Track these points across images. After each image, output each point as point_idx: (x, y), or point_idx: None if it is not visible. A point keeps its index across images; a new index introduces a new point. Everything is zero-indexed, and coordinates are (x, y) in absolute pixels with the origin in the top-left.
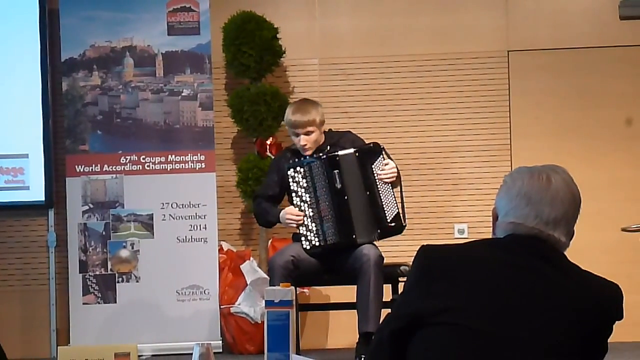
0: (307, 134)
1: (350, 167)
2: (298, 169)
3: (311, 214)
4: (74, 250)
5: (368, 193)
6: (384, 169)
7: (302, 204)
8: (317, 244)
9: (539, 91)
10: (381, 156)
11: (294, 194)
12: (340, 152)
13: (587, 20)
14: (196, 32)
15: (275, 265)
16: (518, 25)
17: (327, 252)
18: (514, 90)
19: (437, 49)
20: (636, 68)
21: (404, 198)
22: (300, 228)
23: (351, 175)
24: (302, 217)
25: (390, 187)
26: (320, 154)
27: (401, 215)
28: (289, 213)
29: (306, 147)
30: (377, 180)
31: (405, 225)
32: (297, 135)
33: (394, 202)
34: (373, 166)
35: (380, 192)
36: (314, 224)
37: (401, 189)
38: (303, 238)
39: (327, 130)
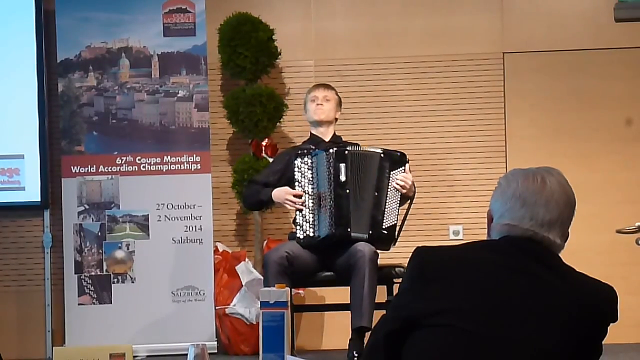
0: (326, 99)
1: (369, 166)
2: (305, 159)
3: (311, 205)
4: (70, 251)
5: (376, 194)
6: (403, 175)
7: (303, 194)
8: (312, 234)
9: (534, 93)
10: (403, 167)
11: (296, 184)
12: (361, 149)
13: (583, 22)
14: (192, 34)
15: (270, 261)
16: (513, 27)
17: (321, 244)
18: (509, 92)
19: (433, 51)
20: (631, 70)
21: (407, 218)
22: (298, 217)
23: (363, 173)
24: (301, 202)
25: (399, 199)
26: (329, 148)
27: (397, 228)
28: (289, 193)
29: (321, 108)
30: (389, 187)
31: (397, 240)
32: (315, 99)
33: (396, 213)
34: (392, 173)
35: (387, 198)
36: (311, 215)
37: (409, 208)
38: (299, 227)
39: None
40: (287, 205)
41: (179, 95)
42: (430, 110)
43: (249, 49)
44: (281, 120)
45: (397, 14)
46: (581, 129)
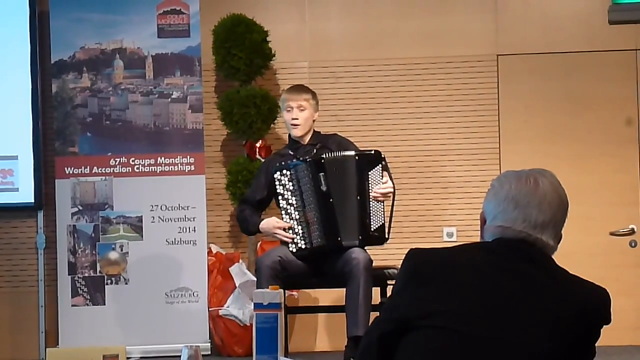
0: (300, 108)
1: (346, 170)
2: (284, 172)
3: (297, 217)
4: (63, 252)
5: (359, 197)
6: (381, 185)
7: (288, 207)
8: (304, 246)
9: (528, 95)
10: (380, 165)
11: (280, 197)
12: (336, 154)
13: (577, 24)
14: (186, 35)
15: (263, 266)
16: (507, 29)
17: (314, 254)
18: (503, 94)
19: (427, 53)
20: (625, 72)
21: (393, 212)
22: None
23: (342, 178)
24: (290, 235)
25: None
26: (306, 157)
27: (386, 227)
28: (277, 227)
29: (297, 122)
30: (370, 187)
31: (388, 239)
32: (290, 110)
33: (382, 213)
34: (370, 173)
35: (371, 200)
36: (300, 227)
37: (393, 204)
38: (290, 241)
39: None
40: (277, 237)
41: (173, 96)
42: (424, 112)
43: (243, 50)
44: (275, 121)
45: (391, 16)
46: (575, 130)
